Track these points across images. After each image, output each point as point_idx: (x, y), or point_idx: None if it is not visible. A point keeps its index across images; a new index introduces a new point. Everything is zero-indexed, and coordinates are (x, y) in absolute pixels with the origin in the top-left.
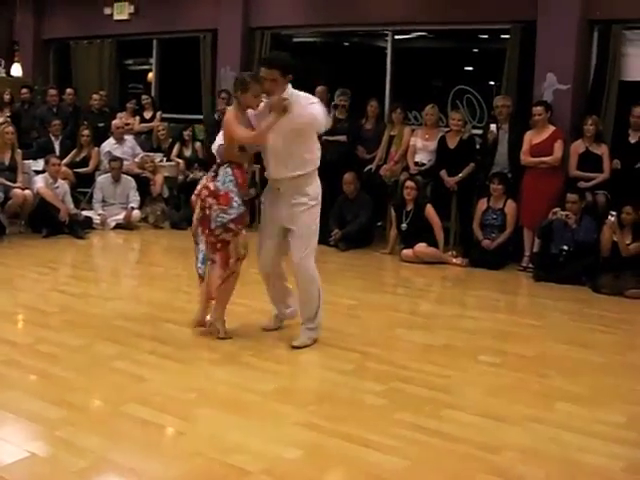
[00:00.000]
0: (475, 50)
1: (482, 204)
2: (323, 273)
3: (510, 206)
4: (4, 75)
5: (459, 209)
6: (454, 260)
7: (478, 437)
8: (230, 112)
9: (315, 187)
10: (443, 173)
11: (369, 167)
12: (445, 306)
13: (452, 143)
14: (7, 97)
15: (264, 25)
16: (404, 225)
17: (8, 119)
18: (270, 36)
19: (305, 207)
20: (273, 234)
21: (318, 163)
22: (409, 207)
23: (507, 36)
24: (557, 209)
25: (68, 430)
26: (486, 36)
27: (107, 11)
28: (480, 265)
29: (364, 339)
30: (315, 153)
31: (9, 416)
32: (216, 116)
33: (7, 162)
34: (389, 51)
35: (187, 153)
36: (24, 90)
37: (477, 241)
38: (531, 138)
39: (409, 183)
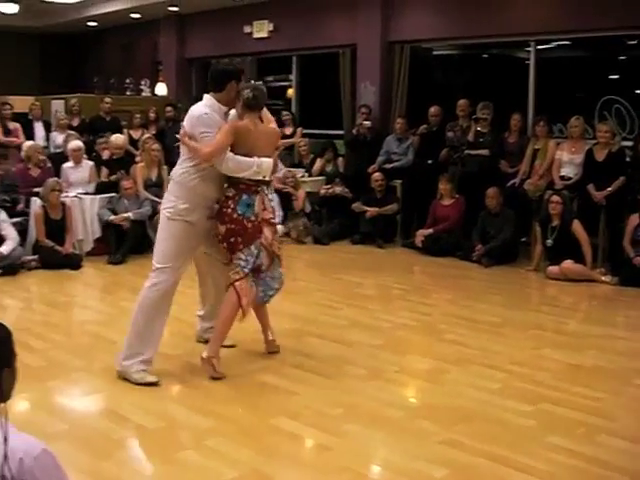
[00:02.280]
0: (622, 57)
1: (634, 220)
2: (466, 290)
3: None
4: (149, 94)
5: (608, 225)
6: (603, 278)
7: (638, 466)
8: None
9: None
10: (591, 187)
11: (513, 181)
12: (594, 326)
13: (600, 156)
14: (152, 115)
15: (403, 39)
16: (550, 241)
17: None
18: (409, 50)
19: None
20: None
21: None
22: (555, 222)
23: None
24: None
25: (218, 440)
26: (634, 42)
27: (247, 29)
28: (631, 284)
29: (510, 358)
30: None
31: (160, 425)
32: (354, 131)
33: (154, 178)
34: (532, 62)
35: (328, 168)
36: (168, 108)
37: (628, 258)
38: None
39: (555, 198)
